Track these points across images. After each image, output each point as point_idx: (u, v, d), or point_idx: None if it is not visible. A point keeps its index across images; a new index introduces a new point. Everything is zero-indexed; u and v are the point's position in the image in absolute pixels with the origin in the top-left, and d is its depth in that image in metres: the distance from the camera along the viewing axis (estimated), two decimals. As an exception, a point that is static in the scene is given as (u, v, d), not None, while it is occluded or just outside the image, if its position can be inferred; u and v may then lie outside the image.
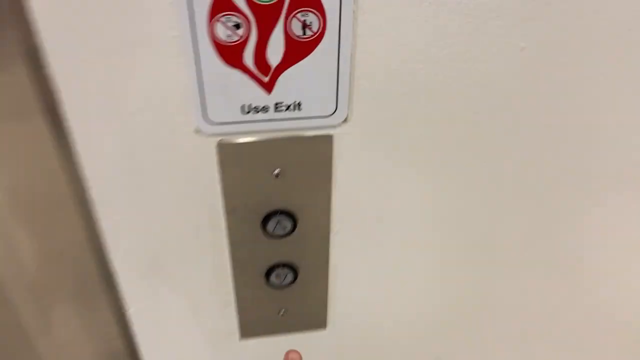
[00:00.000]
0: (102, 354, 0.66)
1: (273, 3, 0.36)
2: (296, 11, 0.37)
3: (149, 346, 0.56)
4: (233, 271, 0.52)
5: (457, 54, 0.41)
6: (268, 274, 0.53)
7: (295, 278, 0.53)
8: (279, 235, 0.50)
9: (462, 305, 0.61)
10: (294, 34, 0.38)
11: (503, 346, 0.67)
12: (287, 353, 0.50)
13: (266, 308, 0.56)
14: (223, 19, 0.36)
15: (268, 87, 0.40)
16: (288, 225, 0.49)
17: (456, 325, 0.63)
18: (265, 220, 0.48)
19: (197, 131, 0.41)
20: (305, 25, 0.37)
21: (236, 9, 0.36)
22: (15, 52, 0.43)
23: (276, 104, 0.41)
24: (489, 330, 0.65)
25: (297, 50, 0.38)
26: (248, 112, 0.41)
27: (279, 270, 0.52)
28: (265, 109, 0.41)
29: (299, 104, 0.41)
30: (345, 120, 0.43)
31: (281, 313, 0.56)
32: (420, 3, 0.39)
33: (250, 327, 0.57)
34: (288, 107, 0.41)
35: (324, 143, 0.44)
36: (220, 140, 0.42)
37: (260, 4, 0.36)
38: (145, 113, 0.40)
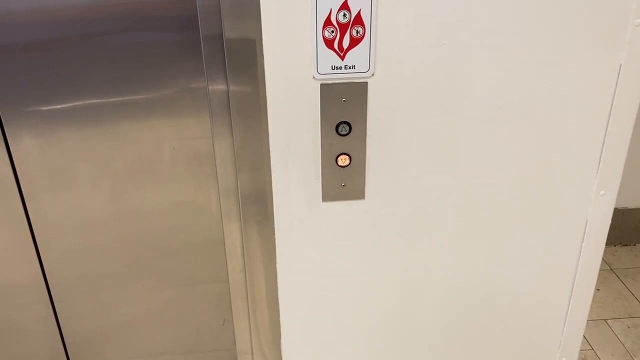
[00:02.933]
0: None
1: (345, 23, 0.99)
2: (354, 26, 0.99)
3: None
4: (321, 158, 1.09)
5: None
6: (336, 159, 1.10)
7: (350, 162, 1.11)
8: (342, 135, 1.08)
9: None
10: (353, 35, 1.00)
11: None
12: None
13: (335, 182, 1.12)
14: (327, 28, 0.98)
15: (342, 58, 1.01)
16: (347, 127, 1.08)
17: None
18: (337, 126, 1.07)
19: (314, 78, 1.02)
20: (357, 32, 1.00)
21: (332, 25, 0.98)
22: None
23: (345, 65, 1.02)
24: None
25: (354, 42, 1.00)
26: (334, 69, 1.02)
27: (344, 157, 1.10)
28: (340, 67, 1.02)
29: (354, 66, 1.02)
30: (373, 75, 1.04)
31: (343, 185, 1.13)
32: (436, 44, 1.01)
33: (327, 193, 1.13)
34: (349, 67, 1.02)
35: (364, 85, 1.05)
36: (322, 82, 1.03)
37: (341, 23, 0.99)
38: (295, 70, 1.01)
